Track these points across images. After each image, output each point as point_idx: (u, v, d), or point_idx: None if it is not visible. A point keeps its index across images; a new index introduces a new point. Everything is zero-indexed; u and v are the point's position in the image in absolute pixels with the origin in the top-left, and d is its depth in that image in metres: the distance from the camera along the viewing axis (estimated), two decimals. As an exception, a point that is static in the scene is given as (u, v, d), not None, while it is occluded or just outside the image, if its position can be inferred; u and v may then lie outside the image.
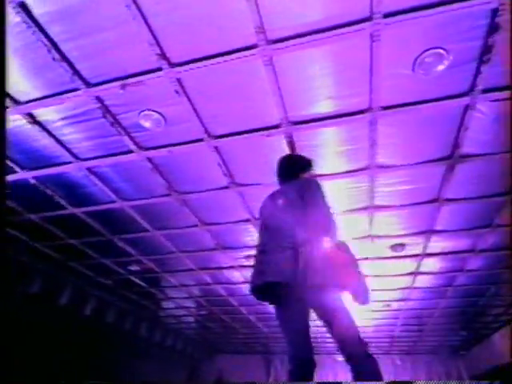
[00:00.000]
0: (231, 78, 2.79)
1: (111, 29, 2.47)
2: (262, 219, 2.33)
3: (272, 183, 3.88)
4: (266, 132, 3.24)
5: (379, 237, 4.91)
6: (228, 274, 6.37)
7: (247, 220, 4.62)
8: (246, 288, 6.93)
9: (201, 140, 3.38)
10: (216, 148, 3.48)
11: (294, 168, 2.45)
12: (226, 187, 4.02)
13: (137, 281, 7.01)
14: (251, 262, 5.77)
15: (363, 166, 3.66)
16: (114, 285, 7.25)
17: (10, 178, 4.00)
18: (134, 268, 6.47)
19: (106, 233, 5.21)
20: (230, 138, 3.35)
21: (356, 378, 1.74)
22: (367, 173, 3.72)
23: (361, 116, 3.06)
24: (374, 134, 3.22)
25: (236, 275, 6.44)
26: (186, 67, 2.70)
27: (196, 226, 4.82)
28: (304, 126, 3.18)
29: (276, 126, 3.19)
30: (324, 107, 3.01)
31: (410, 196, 4.01)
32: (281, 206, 2.16)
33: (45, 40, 2.53)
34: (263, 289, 1.98)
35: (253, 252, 5.48)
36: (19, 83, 2.89)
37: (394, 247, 5.15)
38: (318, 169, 3.00)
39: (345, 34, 2.41)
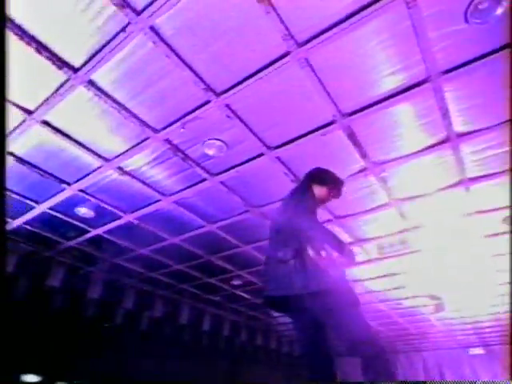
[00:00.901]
0: (274, 90, 2.86)
1: (161, 79, 2.79)
2: (269, 229, 2.39)
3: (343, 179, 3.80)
4: (321, 131, 3.20)
5: (485, 211, 4.29)
6: (325, 276, 6.29)
7: (328, 220, 4.55)
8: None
9: (262, 154, 3.51)
10: (278, 158, 3.56)
11: (307, 179, 2.46)
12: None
13: (242, 294, 7.43)
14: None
15: (442, 138, 3.30)
16: (223, 300, 7.80)
17: (117, 223, 4.75)
18: (236, 283, 6.89)
19: (204, 254, 5.70)
20: (288, 146, 3.40)
21: (364, 376, 1.71)
22: (448, 145, 3.34)
23: (422, 87, 2.79)
24: (443, 102, 2.89)
25: (334, 276, 6.31)
26: (231, 92, 2.87)
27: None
28: (361, 113, 3.04)
29: (330, 123, 3.13)
30: (377, 90, 2.84)
31: (508, 159, 3.44)
32: (280, 217, 2.23)
33: (114, 104, 2.98)
34: (269, 302, 2.09)
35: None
36: (104, 143, 3.44)
37: (507, 220, 4.43)
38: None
39: (377, 10, 2.27)
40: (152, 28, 2.42)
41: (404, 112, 3.06)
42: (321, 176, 2.47)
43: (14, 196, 4.28)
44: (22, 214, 4.65)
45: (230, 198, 4.19)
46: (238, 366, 8.46)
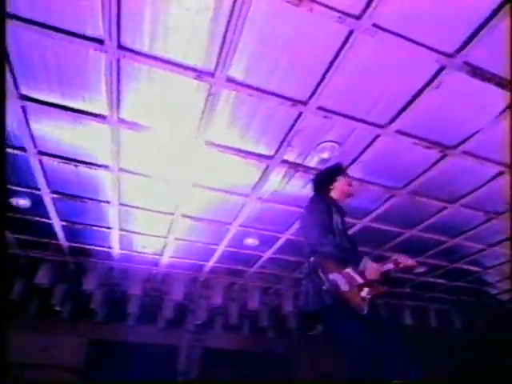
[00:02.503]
0: (358, 70, 2.69)
1: (255, 115, 3.09)
2: None
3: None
4: (433, 84, 2.75)
5: None
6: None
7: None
8: None
9: (378, 136, 3.28)
10: (399, 132, 3.24)
11: (318, 188, 2.46)
12: (443, 156, 3.51)
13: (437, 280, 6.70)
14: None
15: None
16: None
17: (279, 243, 5.25)
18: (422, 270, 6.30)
19: (372, 249, 5.55)
20: (403, 116, 3.05)
21: None
22: None
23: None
24: None
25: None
26: (316, 94, 2.87)
27: (445, 208, 4.34)
28: (474, 40, 2.44)
29: (440, 71, 2.65)
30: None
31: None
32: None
33: (232, 151, 3.46)
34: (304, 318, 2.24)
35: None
36: (240, 183, 4.00)
37: None
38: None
39: None
40: (229, 79, 2.77)
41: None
42: (327, 175, 2.48)
43: (212, 247, 5.43)
44: (211, 256, 5.79)
45: (368, 189, 4.02)
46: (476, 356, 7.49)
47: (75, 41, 2.44)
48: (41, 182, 3.95)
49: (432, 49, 2.50)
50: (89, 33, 2.42)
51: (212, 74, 2.72)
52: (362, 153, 3.49)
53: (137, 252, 5.77)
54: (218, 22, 2.34)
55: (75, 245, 5.53)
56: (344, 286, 1.78)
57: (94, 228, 5.02)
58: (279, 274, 6.59)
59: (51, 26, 2.34)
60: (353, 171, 3.72)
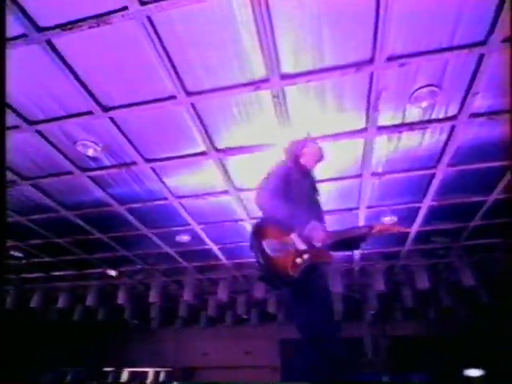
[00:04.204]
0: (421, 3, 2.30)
1: (341, 92, 3.01)
2: None
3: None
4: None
5: None
6: None
7: None
8: None
9: (482, 56, 2.62)
10: (507, 39, 2.51)
11: (287, 153, 2.33)
12: None
13: None
14: None
15: None
16: None
17: (422, 212, 4.68)
18: None
19: None
20: (501, 20, 2.36)
21: None
22: None
23: None
24: None
25: None
26: (379, 47, 2.56)
27: None
28: None
29: None
30: None
31: None
32: None
33: (330, 138, 3.43)
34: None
35: None
36: (345, 168, 3.86)
37: None
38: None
39: None
40: (283, 77, 2.81)
41: None
42: (296, 142, 2.34)
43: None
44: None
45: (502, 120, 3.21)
46: None
47: (157, 105, 3.02)
48: (188, 218, 4.86)
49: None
50: (164, 94, 2.96)
51: (267, 80, 2.83)
52: (471, 84, 2.84)
53: (285, 256, 6.20)
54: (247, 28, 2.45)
55: (235, 261, 6.41)
56: (274, 252, 1.64)
57: (242, 244, 5.72)
58: (444, 246, 5.81)
59: (137, 103, 2.99)
60: (473, 108, 3.07)
